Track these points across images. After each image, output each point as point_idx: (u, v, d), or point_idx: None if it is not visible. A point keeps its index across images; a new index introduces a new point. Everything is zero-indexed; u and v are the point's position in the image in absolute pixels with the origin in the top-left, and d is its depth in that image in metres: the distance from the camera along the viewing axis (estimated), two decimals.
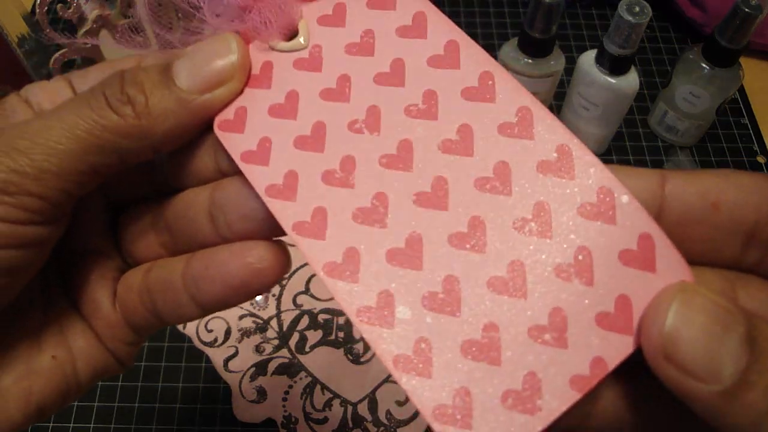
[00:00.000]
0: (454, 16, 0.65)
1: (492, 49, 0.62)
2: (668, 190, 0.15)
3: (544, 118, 0.16)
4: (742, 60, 0.49)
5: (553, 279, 0.14)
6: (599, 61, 0.48)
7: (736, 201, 0.15)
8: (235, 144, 0.18)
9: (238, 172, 0.18)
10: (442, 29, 0.17)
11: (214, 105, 0.18)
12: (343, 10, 0.18)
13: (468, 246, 0.15)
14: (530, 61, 0.49)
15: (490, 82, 0.16)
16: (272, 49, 0.19)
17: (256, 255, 0.18)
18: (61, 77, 0.20)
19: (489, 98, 0.16)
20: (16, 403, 0.18)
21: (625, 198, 0.15)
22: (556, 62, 0.50)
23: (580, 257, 0.14)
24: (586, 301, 0.14)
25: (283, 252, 0.19)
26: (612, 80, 0.48)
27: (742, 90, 0.60)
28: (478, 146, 0.16)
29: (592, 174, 0.15)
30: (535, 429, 0.14)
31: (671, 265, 0.14)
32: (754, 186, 0.15)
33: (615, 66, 0.47)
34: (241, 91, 0.19)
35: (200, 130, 0.19)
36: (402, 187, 0.16)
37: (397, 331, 0.15)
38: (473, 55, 0.17)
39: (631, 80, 0.48)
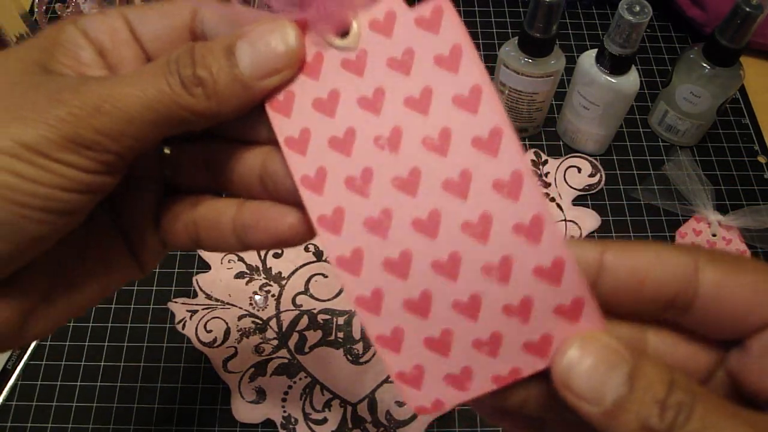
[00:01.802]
0: None
1: (492, 49, 0.62)
2: (606, 261, 0.19)
3: (533, 184, 0.18)
4: (743, 59, 0.49)
5: (500, 314, 0.19)
6: (599, 60, 0.48)
7: (660, 279, 0.18)
8: (281, 126, 0.20)
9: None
10: (473, 71, 0.19)
11: (270, 89, 0.20)
12: (393, 20, 0.19)
13: (444, 274, 0.19)
14: (530, 60, 0.49)
15: (498, 138, 0.19)
16: (325, 42, 0.20)
17: (297, 217, 0.21)
18: (117, 13, 0.22)
19: (492, 152, 0.19)
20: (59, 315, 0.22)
21: (571, 269, 0.18)
22: (557, 62, 0.50)
23: (526, 302, 0.19)
24: (520, 333, 0.19)
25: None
26: (612, 80, 0.48)
27: (742, 90, 0.60)
28: (472, 193, 0.19)
29: (555, 247, 0.18)
30: (460, 398, 0.19)
31: (590, 318, 0.18)
32: (678, 264, 0.18)
33: (615, 66, 0.47)
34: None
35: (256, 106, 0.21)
36: (405, 210, 0.19)
37: (382, 319, 0.20)
38: (490, 108, 0.19)
39: (631, 80, 0.48)
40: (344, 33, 0.20)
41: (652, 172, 0.54)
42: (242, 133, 0.22)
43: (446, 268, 0.19)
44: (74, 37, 0.21)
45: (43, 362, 0.45)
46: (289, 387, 0.44)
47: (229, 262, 0.48)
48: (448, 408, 0.19)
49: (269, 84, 0.20)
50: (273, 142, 0.21)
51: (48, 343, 0.46)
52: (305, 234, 0.21)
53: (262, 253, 0.49)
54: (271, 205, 0.22)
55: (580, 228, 0.51)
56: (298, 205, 0.21)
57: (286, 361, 0.45)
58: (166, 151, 0.24)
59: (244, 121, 0.22)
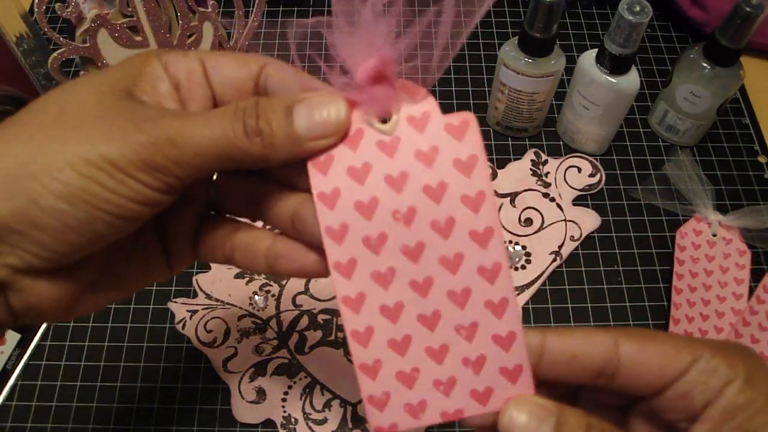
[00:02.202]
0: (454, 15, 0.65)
1: (492, 49, 0.62)
2: (546, 342, 0.24)
3: (507, 274, 0.23)
4: (743, 59, 0.49)
5: (460, 364, 0.24)
6: (600, 60, 0.48)
7: (588, 353, 0.24)
8: (318, 182, 0.24)
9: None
10: (481, 179, 0.23)
11: (316, 150, 0.23)
12: (427, 120, 0.23)
13: (426, 325, 0.24)
14: (530, 60, 0.49)
15: (489, 235, 0.23)
16: (367, 123, 0.24)
17: (322, 258, 0.25)
18: (196, 57, 0.25)
19: (483, 245, 0.23)
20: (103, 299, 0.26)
21: (520, 341, 0.24)
22: (557, 62, 0.50)
23: (481, 359, 0.24)
24: (470, 381, 0.24)
25: None
26: (612, 80, 0.48)
27: (743, 89, 0.60)
28: (461, 271, 0.23)
29: (513, 323, 0.24)
30: (412, 425, 0.24)
31: (524, 382, 0.24)
32: (600, 341, 0.24)
33: (615, 65, 0.47)
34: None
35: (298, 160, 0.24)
36: (406, 272, 0.24)
37: (368, 351, 0.24)
38: (488, 211, 0.23)
39: (631, 80, 0.48)
40: (385, 119, 0.24)
41: (652, 172, 0.54)
42: (286, 179, 0.26)
43: (428, 321, 0.24)
44: (157, 69, 0.24)
45: (43, 362, 0.45)
46: (289, 387, 0.44)
47: None
48: (400, 430, 0.24)
49: (316, 146, 0.23)
50: (309, 191, 0.24)
51: (48, 343, 0.46)
52: (326, 272, 0.25)
53: None
54: (301, 244, 0.26)
55: (580, 228, 0.51)
56: (317, 248, 0.25)
57: (286, 361, 0.45)
58: (214, 177, 0.28)
59: (290, 169, 0.25)
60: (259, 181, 0.26)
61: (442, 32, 0.24)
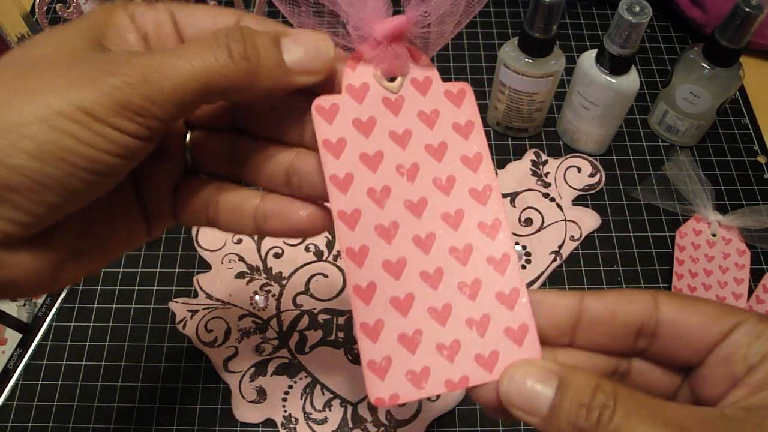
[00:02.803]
0: None
1: (492, 49, 0.62)
2: (585, 302, 0.23)
3: (507, 229, 0.24)
4: (743, 60, 0.49)
5: (464, 325, 0.23)
6: (599, 60, 0.48)
7: (627, 310, 0.23)
8: (322, 130, 0.24)
9: (316, 150, 0.24)
10: (478, 142, 0.24)
11: (302, 85, 0.23)
12: (429, 84, 0.25)
13: (429, 283, 0.23)
14: (530, 60, 0.49)
15: (488, 193, 0.24)
16: (374, 78, 0.24)
17: (314, 209, 0.25)
18: (164, 8, 0.24)
19: (482, 202, 0.24)
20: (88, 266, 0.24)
21: (524, 300, 0.23)
22: (557, 62, 0.50)
23: (485, 318, 0.23)
24: (475, 345, 0.23)
25: (329, 213, 0.25)
26: (612, 80, 0.48)
27: (742, 90, 0.60)
28: (462, 227, 0.24)
29: (515, 280, 0.23)
30: (414, 396, 0.23)
31: (530, 345, 0.23)
32: (641, 299, 0.23)
33: (615, 66, 0.47)
34: (340, 91, 0.24)
35: (280, 95, 0.24)
36: (409, 227, 0.24)
37: (370, 309, 0.23)
38: (486, 171, 0.24)
39: (631, 80, 0.48)
40: (392, 78, 0.24)
41: (652, 172, 0.54)
42: (272, 133, 0.25)
43: (431, 278, 0.23)
44: (123, 20, 0.23)
45: (44, 362, 0.45)
46: (290, 387, 0.44)
47: (229, 262, 0.49)
48: (401, 402, 0.23)
49: (303, 80, 0.23)
50: (301, 145, 0.24)
51: (49, 342, 0.46)
52: (320, 226, 0.25)
53: (263, 252, 0.49)
54: (292, 201, 0.25)
55: (580, 228, 0.51)
56: (317, 201, 0.25)
57: (286, 360, 0.45)
58: (188, 138, 0.26)
59: (277, 123, 0.25)
60: (240, 139, 0.26)
61: (460, 3, 0.24)
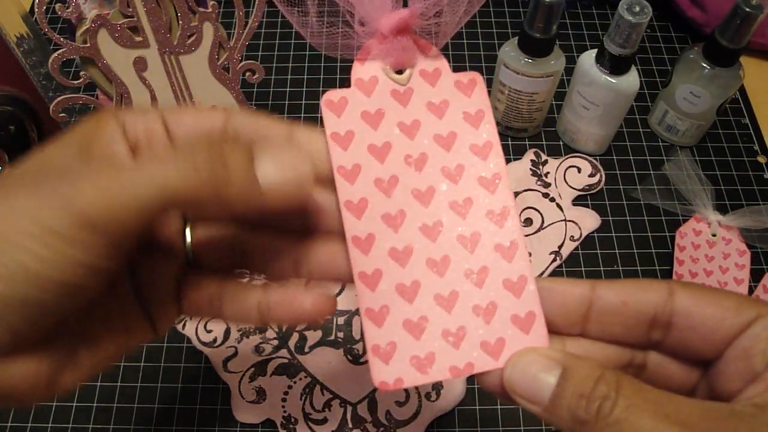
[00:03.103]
0: None
1: (492, 49, 0.62)
2: (597, 290, 0.22)
3: (515, 216, 0.24)
4: (743, 59, 0.49)
5: (470, 312, 0.23)
6: (599, 60, 0.48)
7: (640, 299, 0.22)
8: (331, 123, 0.24)
9: (324, 234, 0.24)
10: (488, 131, 0.24)
11: (273, 208, 0.21)
12: (439, 75, 0.25)
13: (435, 270, 0.23)
14: (530, 60, 0.49)
15: (497, 181, 0.24)
16: (383, 72, 0.24)
17: (320, 299, 0.24)
18: (156, 114, 0.24)
19: (491, 190, 0.24)
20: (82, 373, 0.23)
21: (531, 287, 0.23)
22: (557, 62, 0.50)
23: (492, 306, 0.23)
24: (481, 332, 0.23)
25: (333, 298, 0.25)
26: (612, 80, 0.48)
27: (742, 90, 0.60)
28: (470, 215, 0.24)
29: (523, 267, 0.23)
30: (419, 381, 0.22)
31: (537, 333, 0.23)
32: (654, 288, 0.22)
33: (615, 66, 0.47)
34: (350, 85, 0.25)
35: (253, 214, 0.23)
36: (416, 215, 0.24)
37: (375, 295, 0.23)
38: (496, 159, 0.24)
39: (631, 80, 0.48)
40: (401, 70, 0.25)
41: (652, 172, 0.54)
42: (274, 222, 0.24)
43: (438, 266, 0.23)
44: (112, 131, 0.22)
45: None
46: (289, 387, 0.44)
47: None
48: (405, 386, 0.23)
49: (278, 203, 0.21)
50: (303, 230, 0.24)
51: None
52: (326, 311, 0.24)
53: None
54: (296, 289, 0.24)
55: (580, 228, 0.51)
56: (329, 280, 0.25)
57: (286, 361, 0.45)
58: (188, 231, 0.25)
59: (278, 213, 0.23)
60: (243, 229, 0.25)
61: None
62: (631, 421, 0.19)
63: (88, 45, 0.42)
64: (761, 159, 0.56)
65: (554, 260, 0.49)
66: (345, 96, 0.24)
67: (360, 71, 0.25)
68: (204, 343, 0.45)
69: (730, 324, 0.21)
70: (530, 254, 0.50)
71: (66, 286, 0.19)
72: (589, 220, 0.51)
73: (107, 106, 0.23)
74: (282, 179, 0.21)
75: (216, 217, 0.23)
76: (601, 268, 0.50)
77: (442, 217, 0.24)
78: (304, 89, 0.59)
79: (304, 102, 0.59)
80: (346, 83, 0.24)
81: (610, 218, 0.52)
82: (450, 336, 0.23)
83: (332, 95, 0.24)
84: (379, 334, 0.23)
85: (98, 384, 0.44)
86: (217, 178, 0.20)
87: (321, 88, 0.60)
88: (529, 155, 0.55)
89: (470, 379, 0.44)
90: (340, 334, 0.46)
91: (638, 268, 0.50)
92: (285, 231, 0.25)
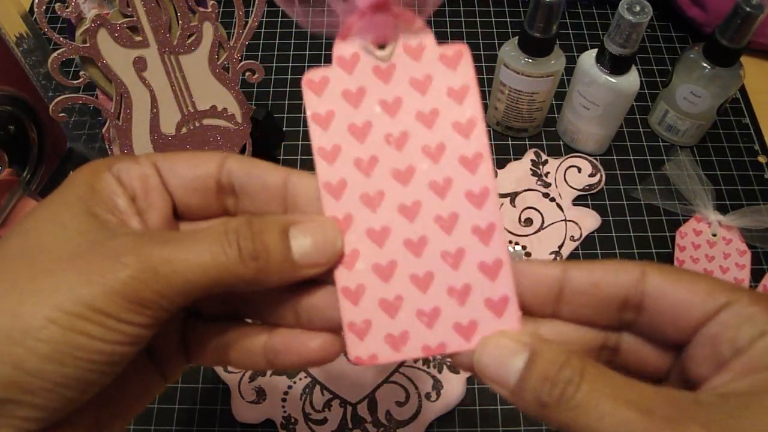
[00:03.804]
0: (454, 15, 0.65)
1: (492, 49, 0.62)
2: (568, 273, 0.22)
3: (494, 200, 0.23)
4: (743, 59, 0.49)
5: (444, 293, 0.23)
6: (600, 60, 0.48)
7: (611, 281, 0.22)
8: (311, 102, 0.24)
9: (322, 283, 0.24)
10: (472, 106, 0.24)
11: (306, 276, 0.23)
12: (423, 49, 0.24)
13: (412, 251, 0.23)
14: (530, 60, 0.49)
15: (479, 161, 0.23)
16: (365, 48, 0.24)
17: (326, 340, 0.24)
18: (147, 160, 0.24)
19: (472, 170, 0.23)
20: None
21: (507, 271, 0.23)
22: (557, 62, 0.50)
23: (467, 288, 0.23)
24: (454, 313, 0.23)
25: (340, 341, 0.24)
26: (612, 80, 0.48)
27: (743, 90, 0.60)
28: (449, 196, 0.23)
29: (499, 250, 0.23)
30: (392, 358, 0.23)
31: (510, 316, 0.23)
32: (626, 270, 0.22)
33: (615, 65, 0.47)
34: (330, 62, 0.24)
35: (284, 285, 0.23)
36: (395, 195, 0.23)
37: (352, 274, 0.23)
38: (479, 137, 0.23)
39: (631, 80, 0.48)
40: (382, 46, 0.24)
41: (652, 172, 0.54)
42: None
43: (415, 246, 0.23)
44: (110, 184, 0.23)
45: None
46: (289, 387, 0.44)
47: None
48: (379, 363, 0.23)
49: (311, 273, 0.23)
50: (310, 281, 0.24)
51: None
52: (334, 353, 0.24)
53: None
54: (301, 332, 0.24)
55: (580, 228, 0.51)
56: (328, 330, 0.24)
57: None
58: None
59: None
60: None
61: None
62: (591, 406, 0.19)
63: (88, 45, 0.42)
64: (761, 159, 0.56)
65: (554, 260, 0.49)
66: (326, 75, 0.24)
67: (341, 49, 0.24)
68: None
69: (701, 308, 0.21)
70: (530, 254, 0.50)
71: (112, 359, 0.20)
72: (589, 220, 0.51)
73: (95, 159, 0.23)
74: (315, 251, 0.22)
75: (245, 290, 0.23)
76: None
77: (421, 197, 0.23)
78: None
79: (303, 102, 0.59)
80: None
81: (611, 218, 0.52)
82: (424, 316, 0.23)
83: (313, 74, 0.24)
84: (354, 311, 0.23)
85: None
86: (260, 263, 0.21)
87: None
88: (530, 155, 0.55)
89: (470, 379, 0.44)
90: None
91: None
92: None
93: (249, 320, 0.26)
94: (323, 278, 0.24)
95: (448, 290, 0.23)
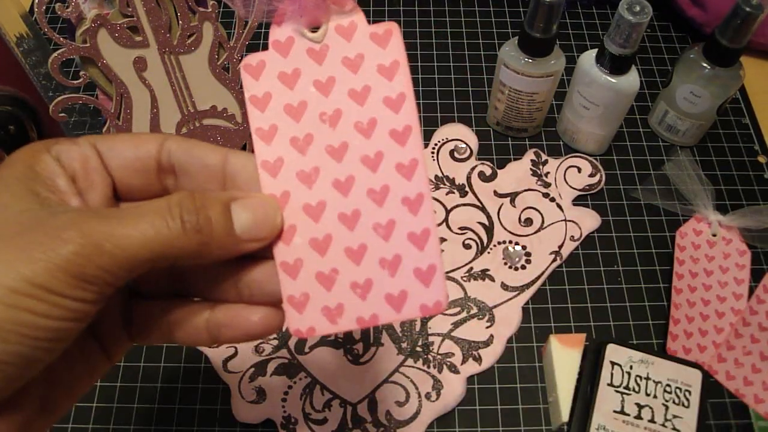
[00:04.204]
0: (454, 15, 0.65)
1: (492, 49, 0.62)
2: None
3: (423, 171, 0.24)
4: (743, 59, 0.49)
5: (377, 265, 0.24)
6: (600, 60, 0.48)
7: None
8: (249, 86, 0.25)
9: (263, 258, 0.25)
10: (402, 82, 0.24)
11: (248, 250, 0.23)
12: (354, 29, 0.25)
13: (346, 224, 0.24)
14: (530, 60, 0.49)
15: (408, 133, 0.24)
16: (298, 32, 0.25)
17: (267, 314, 0.25)
18: (86, 141, 0.24)
19: (401, 143, 0.24)
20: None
21: (434, 240, 0.24)
22: (557, 62, 0.50)
23: (397, 258, 0.24)
24: (386, 284, 0.24)
25: (281, 314, 0.25)
26: (612, 80, 0.48)
27: (743, 90, 0.60)
28: (381, 169, 0.24)
29: (426, 220, 0.24)
30: (329, 330, 0.24)
31: (437, 285, 0.24)
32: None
33: (615, 65, 0.47)
34: (267, 47, 0.25)
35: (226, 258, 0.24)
36: (329, 171, 0.24)
37: (290, 249, 0.24)
38: (408, 111, 0.24)
39: (631, 80, 0.48)
40: (315, 28, 0.25)
41: (652, 172, 0.54)
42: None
43: (349, 220, 0.24)
44: (50, 165, 0.23)
45: None
46: (289, 387, 0.44)
47: None
48: (316, 335, 0.24)
49: (252, 247, 0.23)
50: (250, 257, 0.24)
51: None
52: (275, 326, 0.25)
53: None
54: (243, 306, 0.25)
55: (580, 228, 0.51)
56: (269, 304, 0.25)
57: (286, 361, 0.45)
58: None
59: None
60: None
61: None
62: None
63: (88, 45, 0.42)
64: (761, 159, 0.56)
65: (554, 260, 0.49)
66: (263, 59, 0.25)
67: (276, 33, 0.25)
68: None
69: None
70: (530, 254, 0.50)
71: (57, 335, 0.20)
72: (589, 220, 0.51)
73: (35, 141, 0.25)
74: (255, 226, 0.23)
75: (187, 264, 0.23)
76: (602, 268, 0.49)
77: (354, 172, 0.24)
78: None
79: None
80: None
81: (611, 218, 0.52)
82: (358, 288, 0.24)
83: (251, 59, 0.25)
84: (293, 285, 0.24)
85: (98, 384, 0.44)
86: (203, 236, 0.22)
87: None
88: (529, 155, 0.55)
89: (470, 379, 0.44)
90: (340, 334, 0.46)
91: (638, 268, 0.50)
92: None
93: (193, 298, 0.26)
94: (263, 254, 0.24)
95: (380, 262, 0.24)
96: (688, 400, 0.41)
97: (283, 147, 0.24)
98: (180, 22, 0.43)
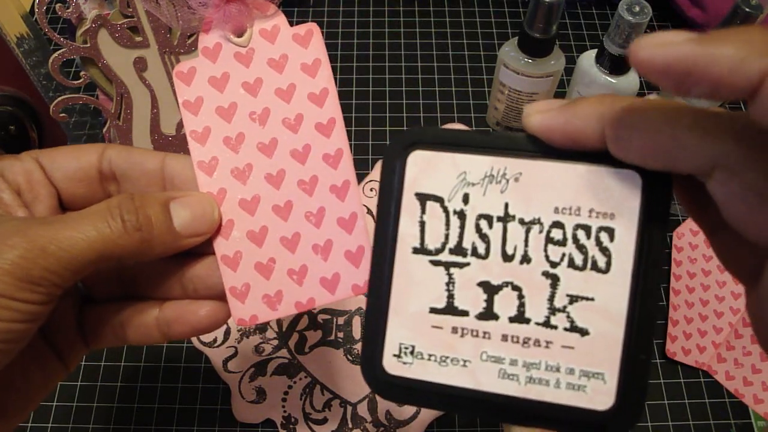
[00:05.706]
0: (454, 15, 0.65)
1: (492, 49, 0.62)
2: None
3: (348, 159, 0.25)
4: None
5: (310, 251, 0.25)
6: (599, 60, 0.48)
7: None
8: (182, 91, 0.26)
9: (205, 254, 0.26)
10: (325, 78, 0.26)
11: (187, 246, 0.25)
12: (277, 32, 0.26)
13: (279, 215, 0.25)
14: (530, 60, 0.49)
15: (332, 125, 0.26)
16: (225, 38, 0.26)
17: (213, 307, 0.26)
18: (29, 156, 0.25)
19: (327, 134, 0.26)
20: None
21: (361, 223, 0.25)
22: (556, 62, 0.50)
23: (329, 243, 0.25)
24: (320, 268, 0.25)
25: (226, 307, 0.26)
26: (612, 80, 0.48)
27: None
28: (309, 160, 0.25)
29: (354, 205, 0.25)
30: (270, 316, 0.25)
31: (366, 265, 0.25)
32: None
33: (615, 66, 0.47)
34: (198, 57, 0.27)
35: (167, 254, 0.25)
36: (262, 166, 0.26)
37: (229, 242, 0.26)
38: (331, 105, 0.26)
39: (631, 80, 0.48)
40: (240, 33, 0.26)
41: None
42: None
43: (282, 211, 0.25)
44: None
45: None
46: (289, 387, 0.44)
47: None
48: (259, 322, 0.25)
49: (192, 242, 0.25)
50: (191, 254, 0.26)
51: None
52: (222, 319, 0.26)
53: None
54: (190, 302, 0.26)
55: None
56: (214, 297, 0.26)
57: (286, 361, 0.45)
58: None
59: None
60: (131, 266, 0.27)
61: None
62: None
63: (88, 45, 0.42)
64: None
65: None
66: (193, 66, 0.26)
67: (205, 40, 0.26)
68: (204, 343, 0.45)
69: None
70: None
71: (7, 337, 0.20)
72: None
73: None
74: (194, 222, 0.24)
75: (130, 263, 0.25)
76: None
77: (284, 165, 0.25)
78: None
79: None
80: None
81: None
82: (294, 274, 0.25)
83: (182, 66, 0.26)
84: (234, 276, 0.25)
85: (98, 384, 0.44)
86: (144, 234, 0.23)
87: None
88: None
89: None
90: (340, 334, 0.46)
91: None
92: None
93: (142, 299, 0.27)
94: (203, 250, 0.25)
95: (313, 248, 0.25)
96: (608, 254, 0.19)
97: (216, 147, 0.26)
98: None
